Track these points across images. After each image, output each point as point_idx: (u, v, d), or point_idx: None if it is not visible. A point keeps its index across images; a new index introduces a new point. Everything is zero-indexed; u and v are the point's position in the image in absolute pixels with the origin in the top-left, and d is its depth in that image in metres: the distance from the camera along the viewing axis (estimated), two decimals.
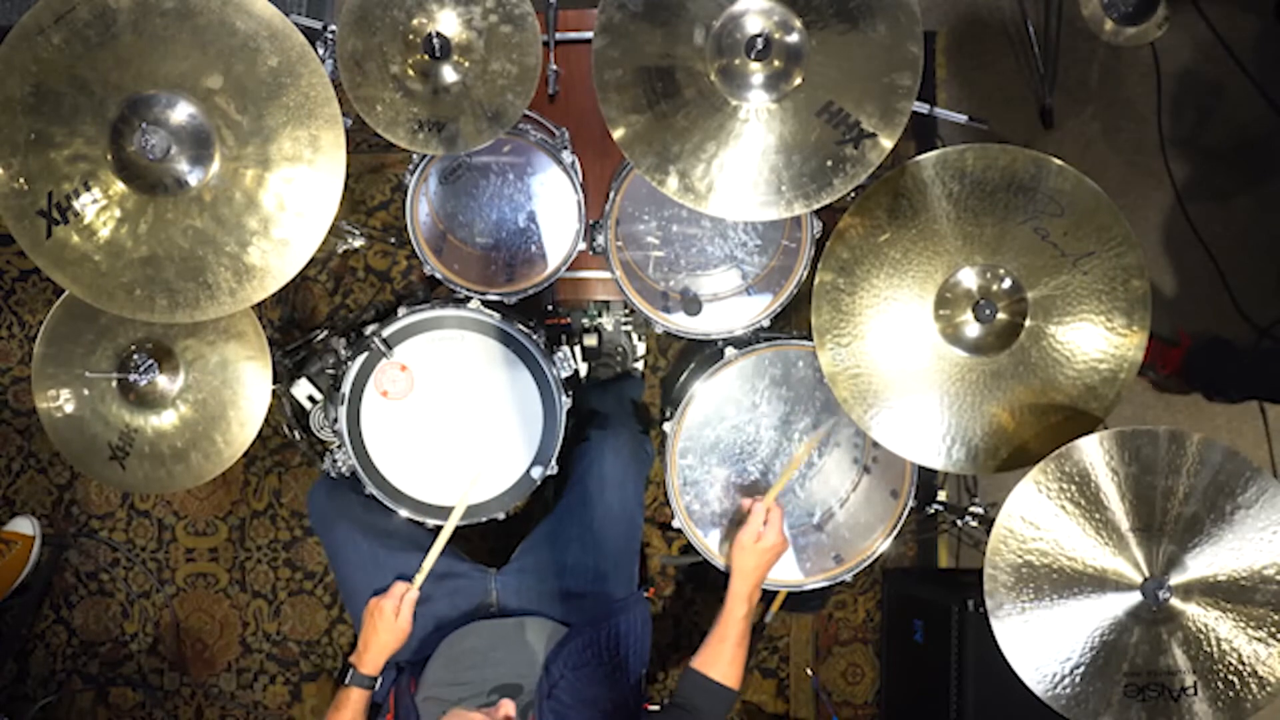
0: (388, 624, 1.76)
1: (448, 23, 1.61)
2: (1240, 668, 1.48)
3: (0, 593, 2.44)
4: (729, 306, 2.04)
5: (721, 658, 1.66)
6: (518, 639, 1.79)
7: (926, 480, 2.33)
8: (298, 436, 2.34)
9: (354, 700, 1.74)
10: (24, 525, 2.52)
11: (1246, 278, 2.49)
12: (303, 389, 2.27)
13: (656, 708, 1.79)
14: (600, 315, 2.32)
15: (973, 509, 2.26)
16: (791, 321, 2.37)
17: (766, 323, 1.96)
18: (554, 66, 2.11)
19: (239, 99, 1.47)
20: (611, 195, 1.88)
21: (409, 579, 1.84)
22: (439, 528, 1.98)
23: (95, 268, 1.49)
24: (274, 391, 1.86)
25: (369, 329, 1.94)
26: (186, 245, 1.50)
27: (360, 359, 1.91)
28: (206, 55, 1.45)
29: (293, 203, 1.50)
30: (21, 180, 1.46)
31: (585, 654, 1.71)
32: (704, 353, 2.19)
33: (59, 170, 1.46)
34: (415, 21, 1.60)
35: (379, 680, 1.78)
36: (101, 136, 1.46)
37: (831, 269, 1.67)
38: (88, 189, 1.47)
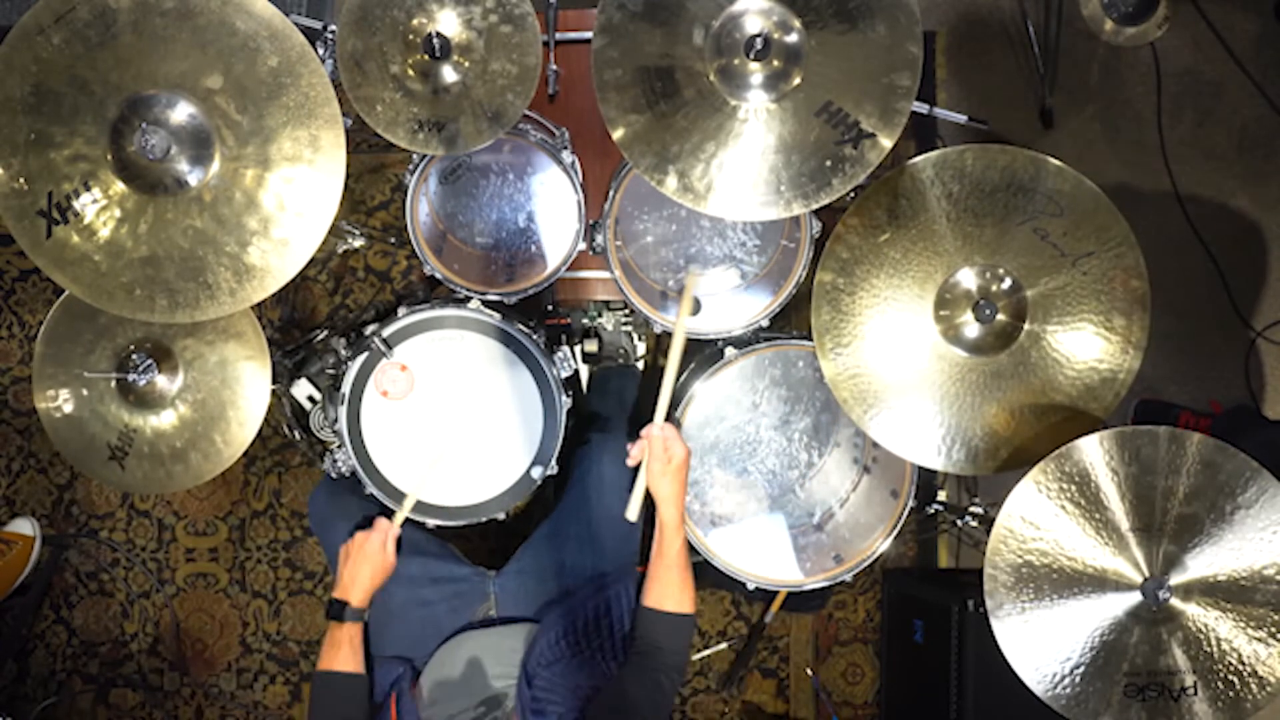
0: (376, 554, 1.72)
1: (448, 23, 1.61)
2: (1240, 668, 1.48)
3: (0, 593, 2.45)
4: (729, 306, 2.04)
5: (670, 588, 1.63)
6: (506, 648, 1.78)
7: (926, 480, 2.33)
8: (298, 436, 2.34)
9: (349, 634, 1.70)
10: (24, 526, 2.52)
11: (1246, 278, 2.49)
12: (303, 389, 2.27)
13: None
14: (600, 315, 2.32)
15: (973, 509, 2.26)
16: (791, 321, 2.37)
17: (766, 323, 1.96)
18: (554, 66, 2.11)
19: (239, 99, 1.47)
20: (611, 195, 1.88)
21: (409, 578, 1.84)
22: (439, 528, 1.98)
23: (95, 268, 1.49)
24: (274, 391, 1.86)
25: (369, 329, 1.94)
26: (186, 245, 1.50)
27: (360, 359, 1.91)
28: (206, 55, 1.45)
29: (293, 203, 1.50)
30: (21, 180, 1.46)
31: (559, 648, 1.69)
32: (704, 353, 2.19)
33: (59, 170, 1.46)
34: (415, 21, 1.60)
35: (366, 612, 1.76)
36: (101, 136, 1.46)
37: (831, 269, 1.67)
38: (88, 189, 1.48)
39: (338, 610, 1.73)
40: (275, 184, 1.49)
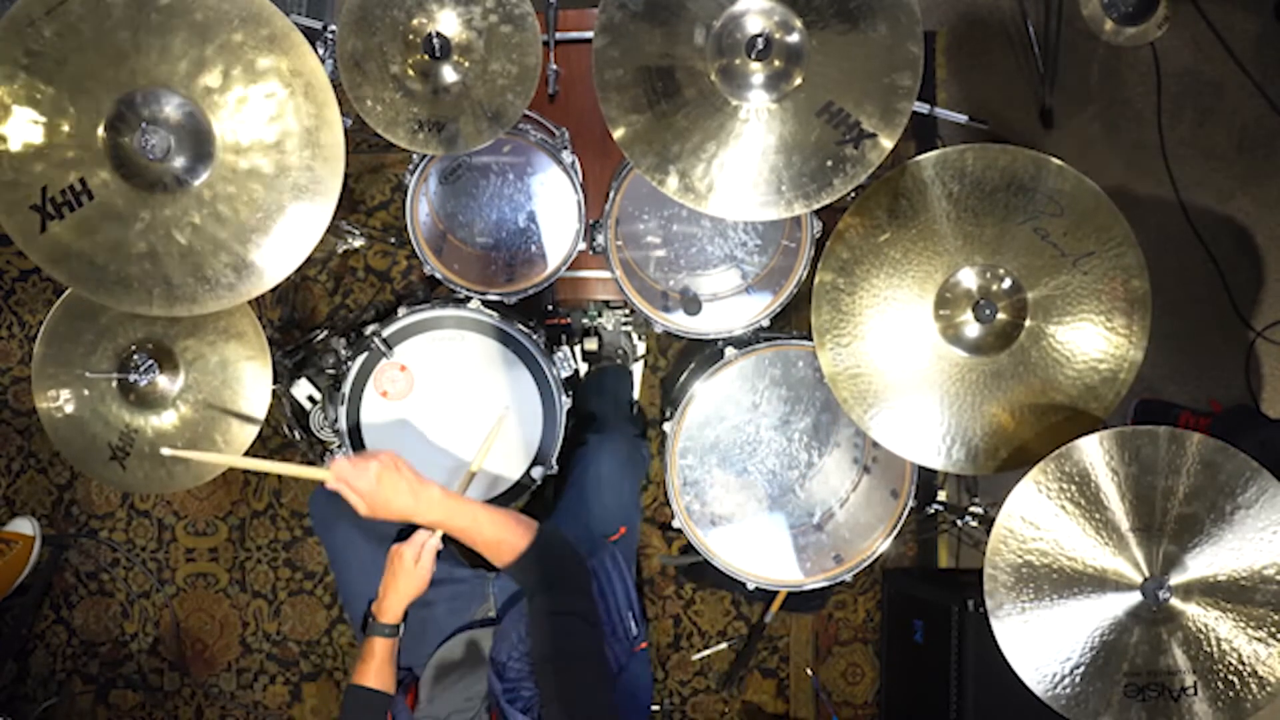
0: (408, 570, 1.73)
1: (448, 23, 1.61)
2: (1240, 668, 1.48)
3: (0, 593, 2.44)
4: (729, 306, 2.04)
5: (501, 540, 1.54)
6: None
7: (926, 480, 2.33)
8: (298, 436, 2.34)
9: (379, 649, 1.72)
10: (24, 526, 2.52)
11: (1246, 278, 2.49)
12: (303, 389, 2.27)
13: (645, 645, 1.79)
14: (600, 315, 2.32)
15: (973, 509, 2.26)
16: (791, 321, 2.37)
17: (766, 322, 1.96)
18: (554, 66, 2.11)
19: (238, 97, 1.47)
20: (611, 195, 1.88)
21: None
22: None
23: (90, 263, 1.49)
24: (274, 391, 1.86)
25: (369, 329, 1.94)
26: (185, 242, 1.50)
27: (360, 359, 1.91)
28: (205, 53, 1.45)
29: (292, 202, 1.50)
30: (15, 175, 1.45)
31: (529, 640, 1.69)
32: (704, 353, 2.19)
33: (53, 166, 1.46)
34: (415, 21, 1.60)
35: (401, 628, 1.77)
36: (96, 133, 1.46)
37: (831, 269, 1.67)
38: (84, 185, 1.47)
39: (364, 625, 1.74)
40: (274, 183, 1.49)
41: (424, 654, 1.83)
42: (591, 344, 2.28)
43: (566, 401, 1.93)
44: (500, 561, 1.57)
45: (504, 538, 1.55)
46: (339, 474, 1.51)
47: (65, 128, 1.45)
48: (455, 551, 2.04)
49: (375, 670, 1.72)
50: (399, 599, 1.74)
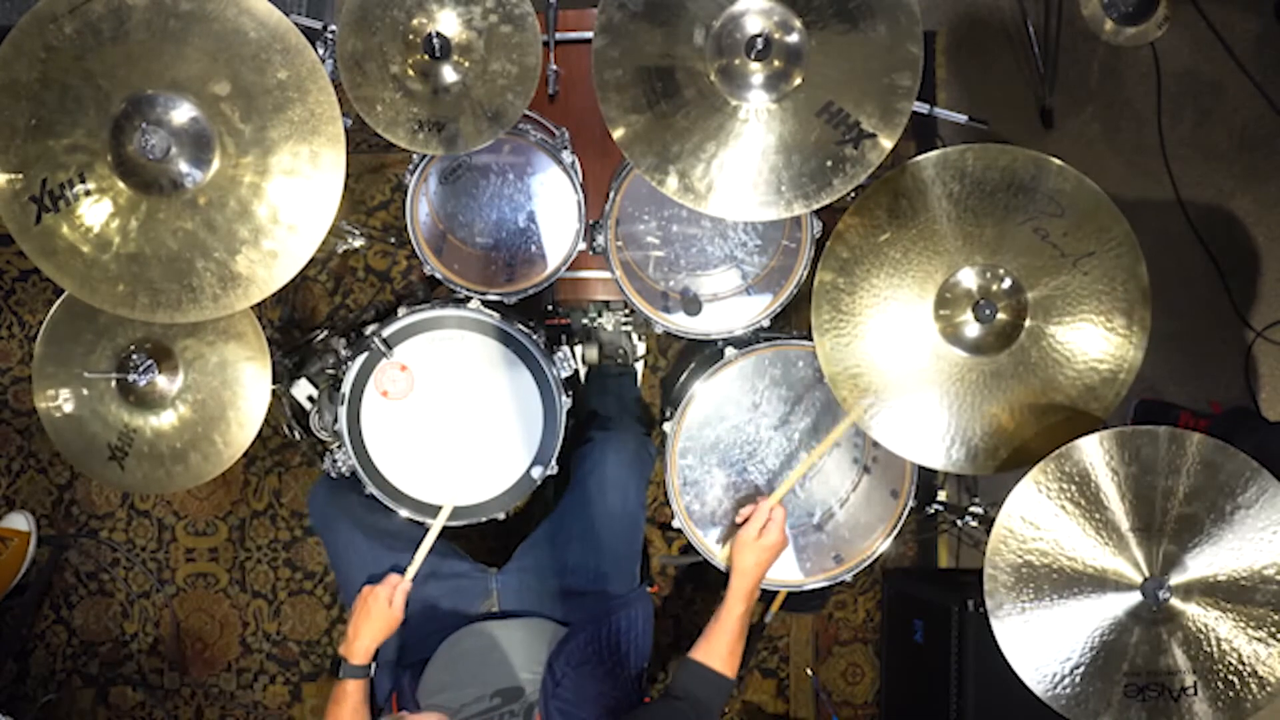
0: (381, 611, 1.75)
1: (448, 23, 1.61)
2: (1240, 668, 1.48)
3: (0, 589, 2.44)
4: (729, 306, 2.04)
5: (720, 649, 1.66)
6: (517, 640, 1.79)
7: (926, 480, 2.33)
8: (298, 436, 2.34)
9: (351, 693, 1.73)
10: (19, 521, 2.51)
11: (1246, 278, 2.49)
12: (303, 389, 2.26)
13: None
14: (600, 315, 2.32)
15: (973, 509, 2.26)
16: (791, 321, 2.37)
17: (766, 323, 1.96)
18: (554, 66, 2.10)
19: (244, 108, 1.47)
20: (611, 195, 1.88)
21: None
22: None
23: (81, 259, 1.49)
24: (274, 391, 1.86)
25: (369, 329, 1.94)
26: (175, 247, 1.50)
27: (360, 359, 1.91)
28: (217, 61, 1.45)
29: (286, 216, 1.50)
30: (17, 164, 1.45)
31: (586, 651, 1.71)
32: (704, 353, 2.19)
33: (56, 159, 1.46)
34: (415, 21, 1.60)
35: (372, 667, 1.77)
36: (102, 130, 1.46)
37: (831, 269, 1.67)
38: (82, 180, 1.47)
39: (336, 667, 1.75)
40: (271, 195, 1.49)
41: (425, 649, 1.83)
42: (592, 347, 2.28)
43: (567, 401, 1.93)
44: (707, 658, 1.67)
45: (735, 655, 1.69)
46: (775, 517, 1.77)
47: (74, 123, 1.45)
48: (453, 545, 2.04)
49: (350, 711, 1.73)
50: (370, 639, 1.75)
